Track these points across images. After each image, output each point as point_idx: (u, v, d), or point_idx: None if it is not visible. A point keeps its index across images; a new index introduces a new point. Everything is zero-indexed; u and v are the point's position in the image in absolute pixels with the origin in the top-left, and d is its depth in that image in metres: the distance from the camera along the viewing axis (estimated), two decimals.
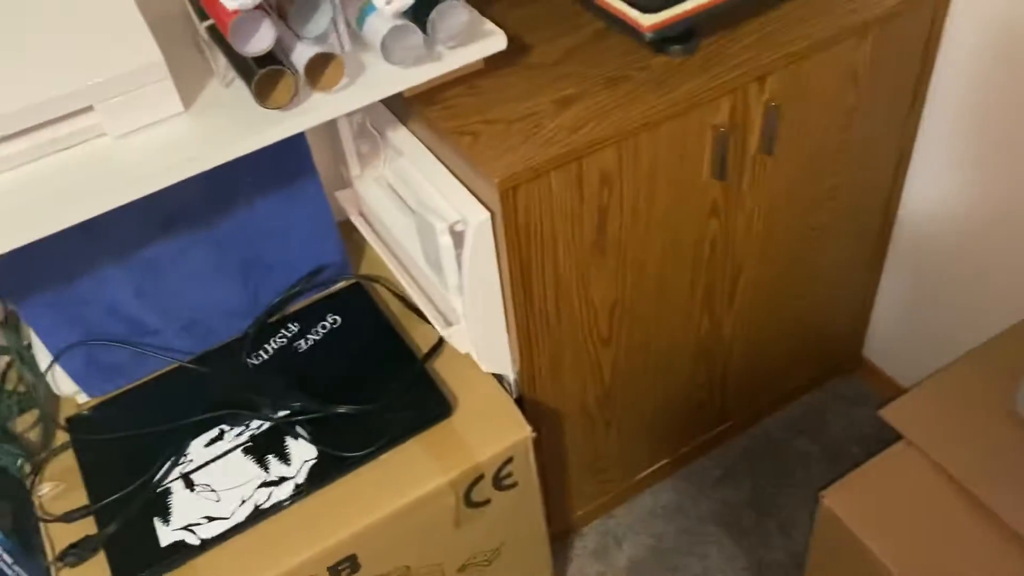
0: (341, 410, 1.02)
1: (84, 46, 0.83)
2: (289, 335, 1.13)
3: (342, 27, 0.89)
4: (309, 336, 1.12)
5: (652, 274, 1.09)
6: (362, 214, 1.24)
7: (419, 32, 0.87)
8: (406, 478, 0.99)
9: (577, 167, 0.92)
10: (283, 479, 0.98)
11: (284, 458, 1.00)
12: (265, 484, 0.98)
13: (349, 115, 1.09)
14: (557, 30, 1.06)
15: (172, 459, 1.01)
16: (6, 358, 1.12)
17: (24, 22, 0.87)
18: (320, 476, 0.98)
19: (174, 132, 0.85)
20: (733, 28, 1.01)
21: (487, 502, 1.06)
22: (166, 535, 0.94)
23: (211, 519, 0.95)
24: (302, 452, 1.00)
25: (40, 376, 1.06)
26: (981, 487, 0.91)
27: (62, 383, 1.07)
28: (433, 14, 0.86)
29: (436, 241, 0.96)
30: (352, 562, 0.98)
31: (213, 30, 0.86)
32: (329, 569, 0.96)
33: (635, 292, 1.10)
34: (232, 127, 0.85)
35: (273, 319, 1.15)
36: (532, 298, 1.00)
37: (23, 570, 0.98)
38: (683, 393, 1.32)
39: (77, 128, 0.84)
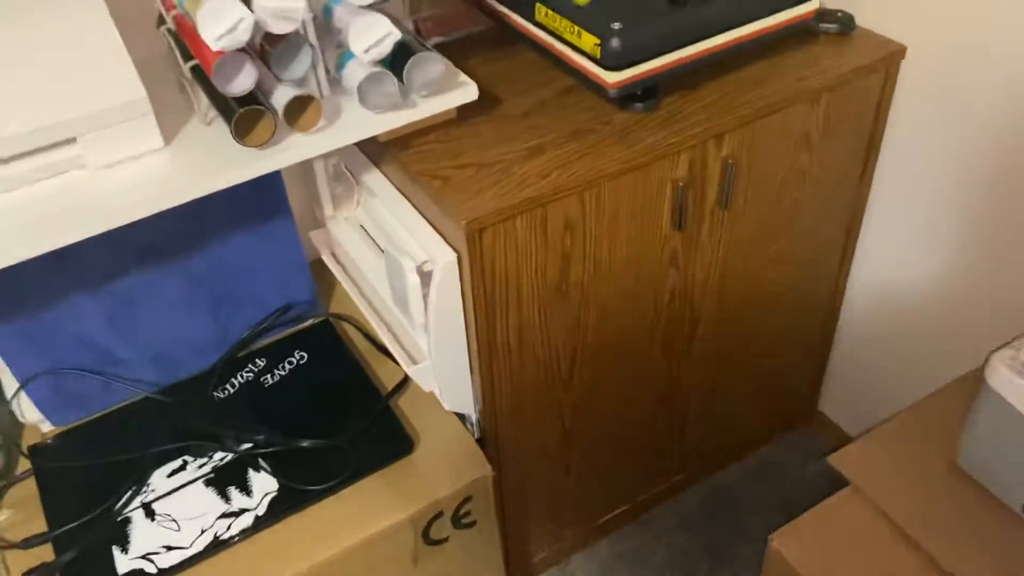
0: (304, 444, 1.04)
1: (71, 79, 0.86)
2: (256, 370, 1.14)
3: (321, 72, 0.93)
4: (276, 371, 1.14)
5: (613, 319, 1.13)
6: (334, 254, 1.27)
7: (395, 80, 0.91)
8: (366, 513, 1.00)
9: (542, 213, 0.96)
10: (243, 510, 0.99)
11: (245, 490, 1.01)
12: (225, 515, 0.99)
13: (325, 157, 1.13)
14: (527, 84, 1.11)
15: (134, 488, 1.01)
16: None
17: (14, 53, 0.90)
18: (280, 508, 0.99)
19: (153, 166, 0.88)
20: (693, 88, 1.07)
21: (446, 540, 1.07)
22: (124, 563, 0.95)
23: (170, 548, 0.96)
24: (263, 484, 1.01)
25: (4, 403, 1.06)
26: (923, 534, 0.94)
27: (27, 411, 1.08)
28: (409, 64, 0.90)
29: (404, 279, 0.99)
30: None
31: (196, 70, 0.90)
32: None
33: (596, 336, 1.13)
34: (210, 163, 0.88)
35: (241, 353, 1.17)
36: (495, 338, 1.03)
37: None
38: (643, 439, 1.35)
39: (58, 159, 0.86)
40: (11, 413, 1.07)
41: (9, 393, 1.06)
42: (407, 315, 1.05)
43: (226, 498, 1.00)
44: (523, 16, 1.04)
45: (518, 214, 0.94)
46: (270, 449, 1.04)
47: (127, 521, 0.99)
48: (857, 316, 1.43)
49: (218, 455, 1.04)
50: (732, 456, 1.56)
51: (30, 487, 1.04)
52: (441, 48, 1.19)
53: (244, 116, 0.85)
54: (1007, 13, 1.00)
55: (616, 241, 1.05)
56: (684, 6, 0.96)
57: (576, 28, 0.96)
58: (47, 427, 1.10)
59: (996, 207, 1.12)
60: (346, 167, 1.14)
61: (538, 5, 1.00)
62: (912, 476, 1.00)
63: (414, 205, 1.03)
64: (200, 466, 1.03)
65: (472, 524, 1.09)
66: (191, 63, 0.89)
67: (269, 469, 1.02)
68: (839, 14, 1.15)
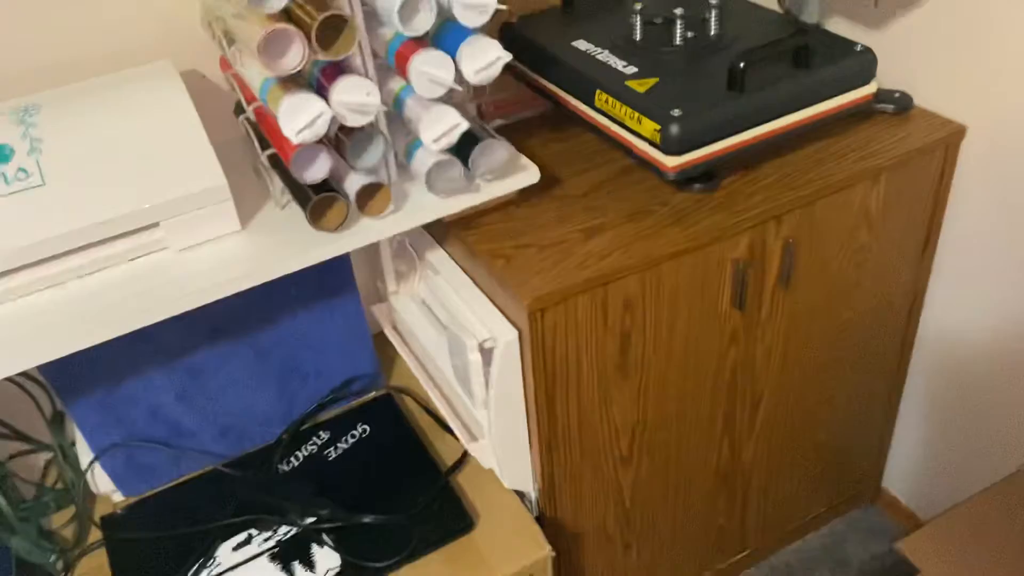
0: (366, 519, 1.05)
1: (155, 166, 0.91)
2: (320, 442, 1.17)
3: (391, 159, 0.97)
4: (339, 444, 1.16)
5: (673, 397, 1.13)
6: (395, 328, 1.30)
7: (461, 166, 0.95)
8: None
9: (602, 293, 0.97)
10: None
11: (309, 565, 1.02)
12: None
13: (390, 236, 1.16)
14: (586, 164, 1.14)
15: (200, 561, 1.03)
16: (48, 455, 1.17)
17: (102, 138, 0.95)
18: None
19: (231, 249, 0.92)
20: (752, 168, 1.08)
21: None
22: None
23: None
24: (327, 560, 1.02)
25: (80, 474, 1.10)
26: None
27: (100, 481, 1.11)
28: (475, 151, 0.94)
29: (466, 357, 1.01)
30: None
31: (273, 158, 0.94)
32: None
33: (656, 414, 1.13)
34: (285, 246, 0.92)
35: (305, 426, 1.19)
36: (555, 416, 1.04)
37: None
38: (703, 518, 1.33)
39: (142, 242, 0.91)
40: (85, 483, 1.11)
41: (84, 463, 1.09)
42: (468, 392, 1.06)
43: (290, 573, 1.01)
44: (583, 101, 1.07)
45: (579, 294, 0.96)
46: (333, 524, 1.05)
47: None
48: (921, 389, 1.40)
49: (283, 529, 1.06)
50: (795, 534, 1.53)
51: (101, 557, 1.07)
52: (502, 129, 1.23)
53: (319, 203, 0.89)
54: None
55: (676, 320, 1.05)
56: (742, 92, 0.98)
57: (636, 115, 0.98)
58: (118, 497, 1.13)
59: None
60: (410, 245, 1.17)
61: (598, 92, 1.03)
62: (985, 566, 0.97)
63: (476, 283, 1.06)
64: (265, 539, 1.05)
65: None
66: (269, 152, 0.93)
67: (332, 544, 1.03)
68: (896, 94, 1.16)
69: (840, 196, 1.08)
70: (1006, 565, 0.97)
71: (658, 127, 0.96)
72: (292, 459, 1.15)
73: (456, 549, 1.05)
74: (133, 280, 0.89)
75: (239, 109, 1.08)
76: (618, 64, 1.06)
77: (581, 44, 1.12)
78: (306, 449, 1.16)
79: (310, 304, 1.12)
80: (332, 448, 1.16)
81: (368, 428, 1.18)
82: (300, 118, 0.81)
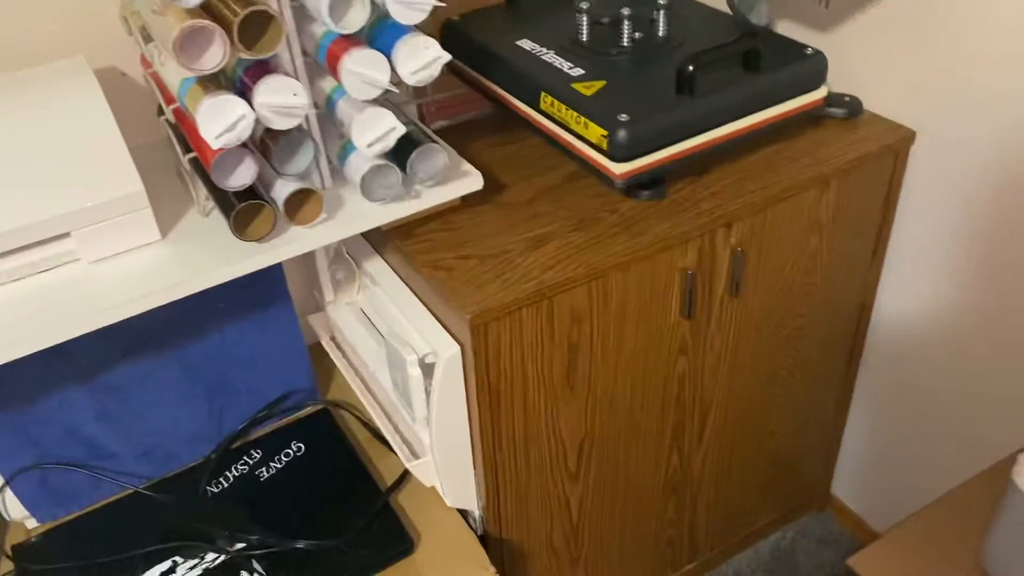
0: (300, 545, 0.99)
1: (66, 173, 0.85)
2: (251, 462, 1.10)
3: (323, 163, 0.91)
4: (272, 464, 1.10)
5: (621, 410, 1.09)
6: (333, 339, 1.24)
7: (398, 172, 0.89)
8: None
9: (548, 305, 0.93)
10: None
11: None
12: None
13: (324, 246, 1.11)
14: (531, 170, 1.09)
15: None
16: None
17: (8, 145, 0.88)
18: None
19: (150, 260, 0.86)
20: (701, 175, 1.05)
21: None
22: None
23: None
24: None
25: None
26: None
27: (11, 507, 1.03)
28: (414, 156, 0.88)
29: (406, 372, 0.96)
30: None
31: (195, 162, 0.88)
32: None
33: (604, 428, 1.09)
34: (208, 257, 0.85)
35: (236, 445, 1.13)
36: (500, 432, 1.00)
37: None
38: (652, 530, 1.30)
39: (51, 253, 0.84)
40: None
41: None
42: (408, 408, 1.01)
43: None
44: (527, 103, 1.03)
45: (523, 306, 0.91)
46: (265, 550, 0.99)
47: None
48: (870, 394, 1.39)
49: (210, 556, 1.00)
50: (744, 543, 1.51)
51: None
52: (444, 132, 1.18)
53: (243, 211, 0.83)
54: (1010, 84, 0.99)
55: (624, 331, 1.02)
56: (692, 96, 0.95)
57: (583, 119, 0.94)
58: (32, 524, 1.06)
59: (1013, 285, 1.10)
60: (348, 253, 1.12)
61: (543, 94, 0.99)
62: None
63: (417, 295, 1.01)
64: (191, 568, 0.99)
65: None
66: (190, 155, 0.87)
67: (263, 572, 0.97)
68: (846, 98, 1.14)
69: (790, 202, 1.05)
70: None
71: (605, 133, 0.92)
72: (221, 480, 1.08)
73: (395, 573, 1.00)
74: (42, 294, 0.83)
75: (160, 110, 1.02)
76: (564, 65, 1.02)
77: (526, 44, 1.08)
78: (236, 469, 1.09)
79: (240, 316, 1.06)
80: (264, 468, 1.10)
81: (303, 446, 1.12)
82: (220, 121, 0.75)
